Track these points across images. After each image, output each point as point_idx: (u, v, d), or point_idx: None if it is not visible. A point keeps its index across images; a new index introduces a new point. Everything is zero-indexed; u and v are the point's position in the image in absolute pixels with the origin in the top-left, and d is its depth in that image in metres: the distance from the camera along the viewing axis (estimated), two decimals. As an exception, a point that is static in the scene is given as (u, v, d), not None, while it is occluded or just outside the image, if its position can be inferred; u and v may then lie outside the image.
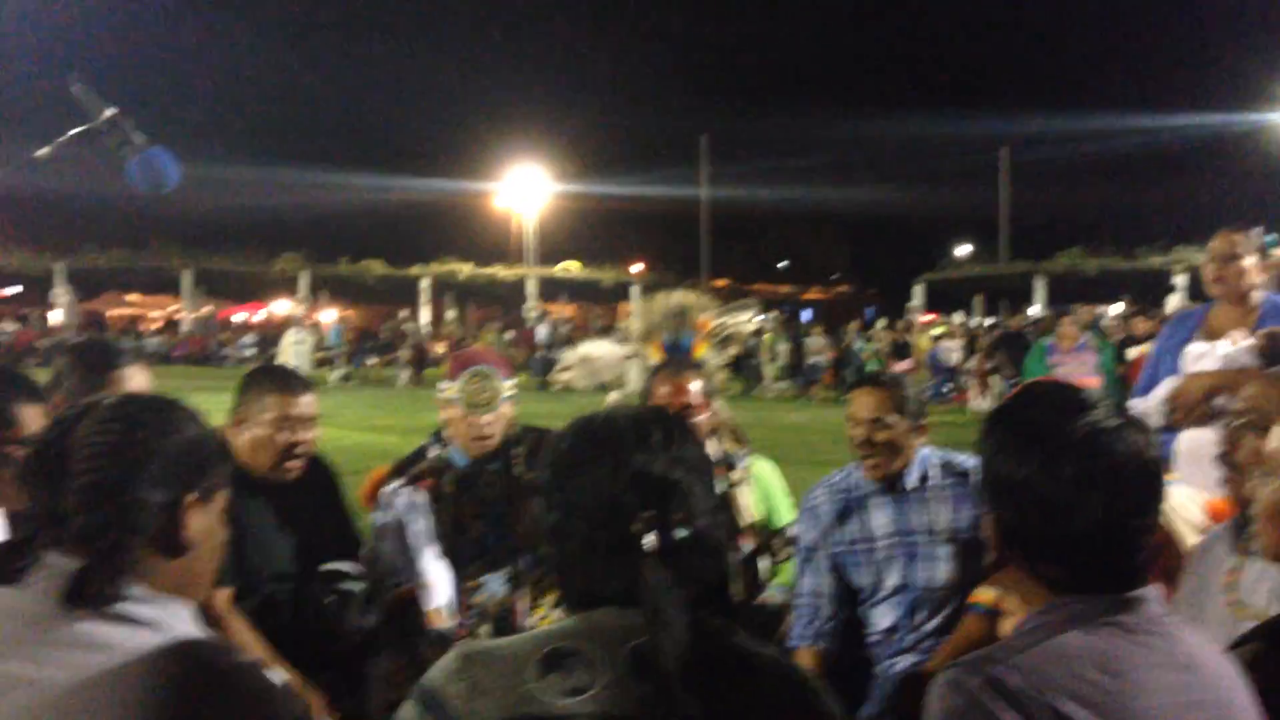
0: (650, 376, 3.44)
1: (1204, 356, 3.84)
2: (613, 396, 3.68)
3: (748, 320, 3.93)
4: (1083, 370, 10.96)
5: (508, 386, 3.28)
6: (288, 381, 3.18)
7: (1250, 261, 3.87)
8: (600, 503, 1.40)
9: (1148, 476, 1.51)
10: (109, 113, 2.21)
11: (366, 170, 49.71)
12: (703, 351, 3.68)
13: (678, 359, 3.57)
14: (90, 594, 1.36)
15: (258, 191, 45.32)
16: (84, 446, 1.42)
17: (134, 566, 1.41)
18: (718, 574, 1.48)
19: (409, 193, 47.96)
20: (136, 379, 2.90)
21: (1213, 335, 3.90)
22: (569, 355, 3.86)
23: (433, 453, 3.38)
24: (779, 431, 14.79)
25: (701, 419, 3.36)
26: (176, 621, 1.41)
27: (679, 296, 3.73)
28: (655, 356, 3.69)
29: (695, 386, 3.38)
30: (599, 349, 3.84)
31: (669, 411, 3.17)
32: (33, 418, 2.39)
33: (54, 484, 1.41)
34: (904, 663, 3.12)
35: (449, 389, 3.27)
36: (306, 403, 3.17)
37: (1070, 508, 1.47)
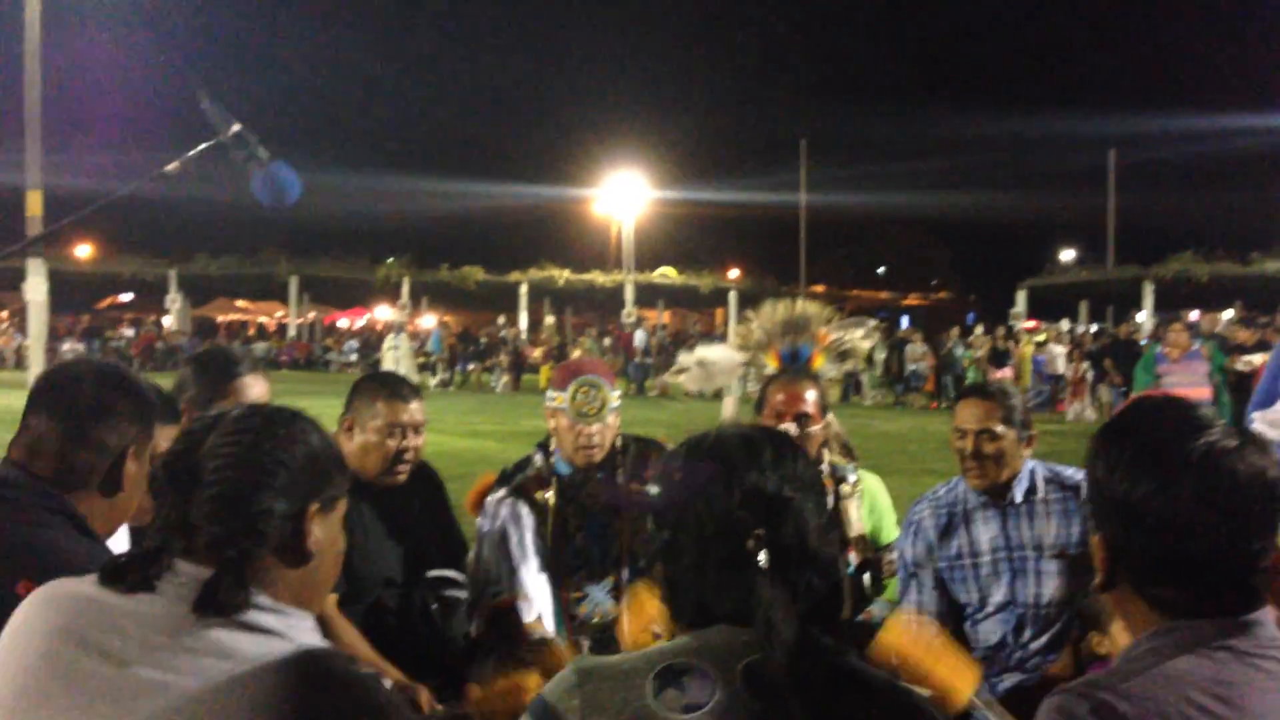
0: (766, 384, 3.43)
1: None
2: (728, 401, 3.68)
3: (864, 336, 3.89)
4: (1192, 380, 10.68)
5: (614, 396, 3.31)
6: (397, 388, 3.25)
7: None
8: (713, 520, 1.42)
9: (1268, 498, 1.46)
10: (236, 128, 2.28)
11: (467, 178, 50.62)
12: (820, 363, 3.66)
13: (795, 368, 3.57)
14: (219, 602, 1.40)
15: (362, 200, 46.26)
16: (213, 458, 1.46)
17: (260, 576, 1.45)
18: (829, 592, 1.48)
19: (508, 200, 48.58)
20: (256, 388, 3.01)
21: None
22: (685, 357, 3.85)
23: (538, 462, 3.42)
24: (877, 439, 14.64)
25: (816, 429, 3.35)
26: (300, 632, 1.45)
27: (801, 305, 3.72)
28: (772, 364, 3.68)
29: (811, 396, 3.36)
30: (716, 353, 3.83)
31: (780, 428, 3.19)
32: (167, 438, 2.49)
33: (184, 494, 1.46)
34: (1010, 680, 3.07)
35: (557, 398, 3.31)
36: (415, 409, 3.23)
37: (1187, 529, 1.43)
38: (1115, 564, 1.50)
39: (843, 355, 3.75)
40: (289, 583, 1.48)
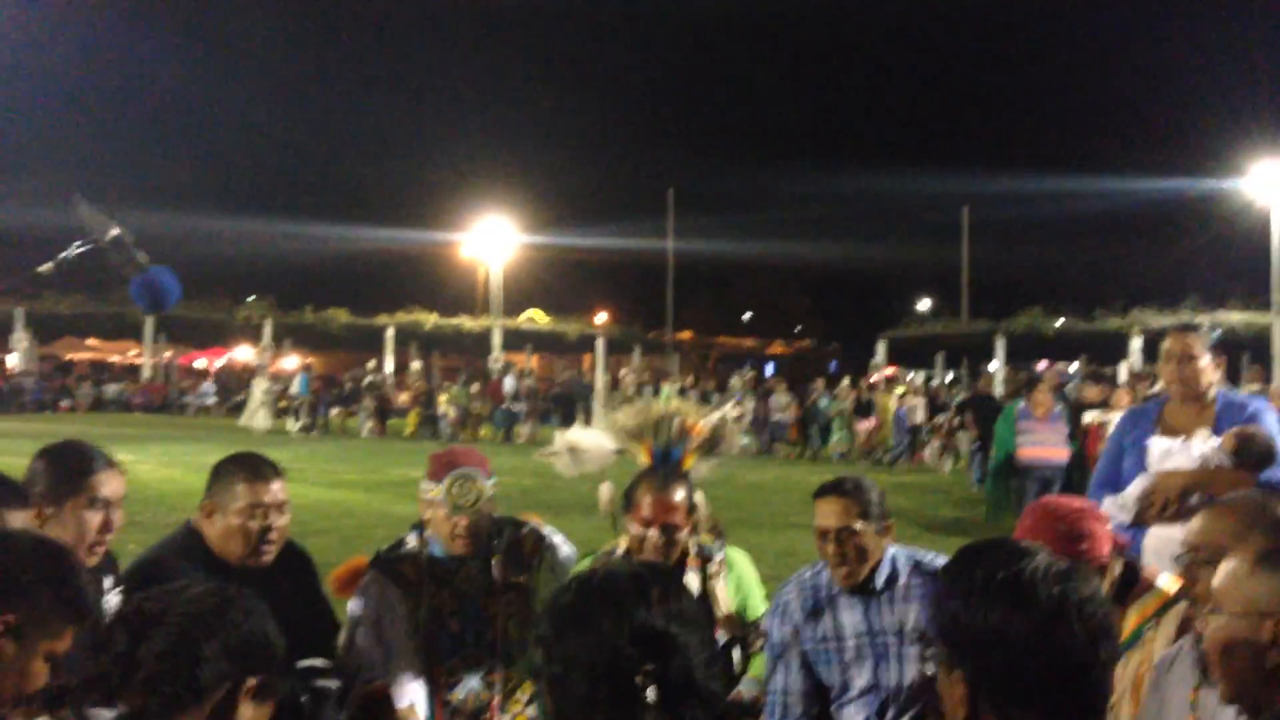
0: (635, 483, 3.47)
1: (1172, 454, 3.95)
2: (604, 488, 3.72)
3: (736, 408, 3.99)
4: (1055, 440, 10.90)
5: (490, 487, 3.34)
6: (257, 468, 3.19)
7: (1205, 361, 4.01)
8: (602, 656, 1.47)
9: (1105, 612, 1.58)
10: (114, 232, 2.26)
11: (333, 219, 49.70)
12: (691, 463, 3.73)
13: (666, 469, 3.61)
14: None
15: (223, 239, 45.17)
16: (177, 608, 1.59)
17: None
18: None
19: (375, 242, 47.92)
20: (111, 484, 2.93)
21: (1172, 431, 4.03)
22: (557, 440, 3.88)
23: (413, 544, 3.41)
24: (744, 491, 14.80)
25: (682, 535, 3.41)
26: None
27: (672, 405, 3.79)
28: (643, 458, 3.74)
29: (679, 498, 3.40)
30: (587, 439, 3.87)
31: (647, 533, 3.25)
32: (18, 522, 2.43)
33: (139, 636, 1.56)
34: (873, 761, 3.17)
35: (433, 490, 3.32)
36: (277, 489, 3.18)
37: (1046, 642, 1.52)
38: (976, 698, 1.57)
39: (713, 446, 3.82)
40: None
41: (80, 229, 2.27)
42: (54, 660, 1.85)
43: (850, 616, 3.27)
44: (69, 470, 2.89)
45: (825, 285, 62.92)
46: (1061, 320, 31.54)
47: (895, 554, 3.31)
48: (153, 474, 14.87)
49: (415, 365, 34.83)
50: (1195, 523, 2.46)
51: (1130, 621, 2.79)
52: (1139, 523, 3.86)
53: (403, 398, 29.73)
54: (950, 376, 36.80)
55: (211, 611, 1.60)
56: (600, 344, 37.50)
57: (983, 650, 1.56)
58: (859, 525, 3.20)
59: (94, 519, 2.86)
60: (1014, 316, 32.55)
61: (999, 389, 23.05)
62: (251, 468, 3.19)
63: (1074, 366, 29.54)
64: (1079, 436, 11.76)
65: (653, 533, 3.33)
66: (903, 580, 3.26)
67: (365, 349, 36.05)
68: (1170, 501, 3.79)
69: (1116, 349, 29.35)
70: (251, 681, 1.60)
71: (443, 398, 27.85)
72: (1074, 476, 10.61)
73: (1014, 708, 1.55)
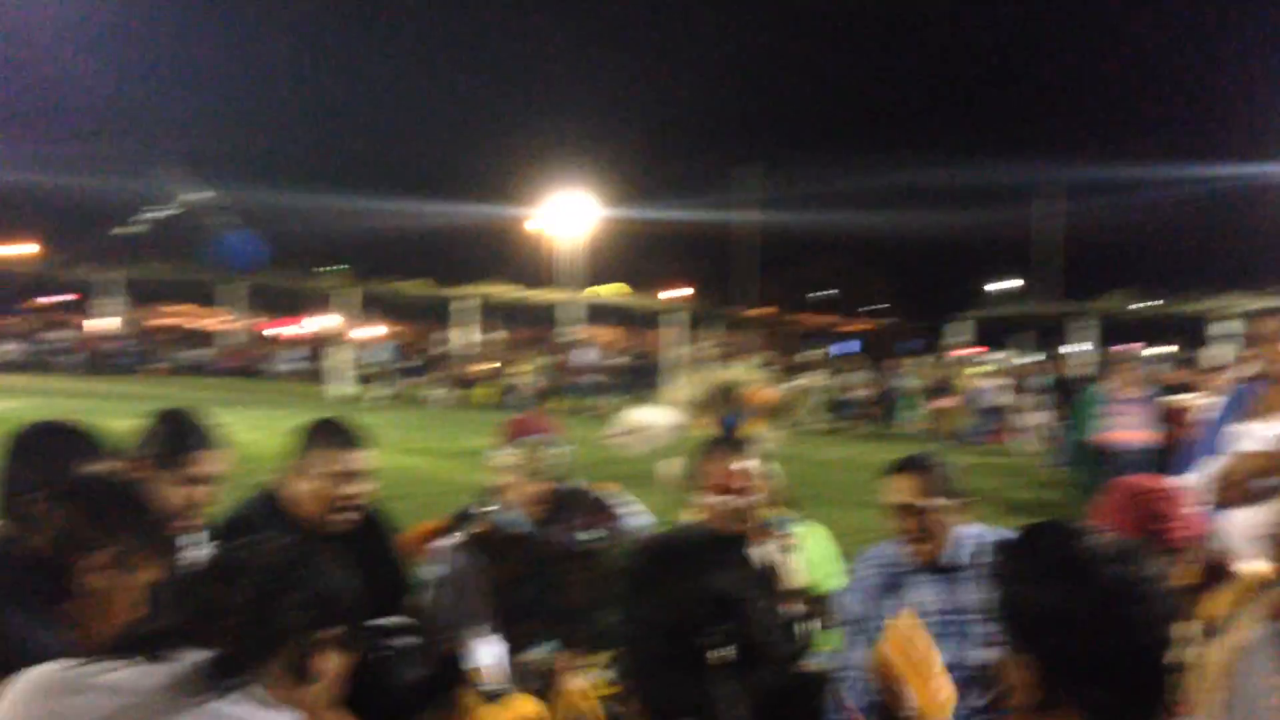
0: (703, 455, 3.47)
1: (1250, 436, 3.87)
2: (669, 464, 3.72)
3: (808, 383, 3.96)
4: (1141, 423, 10.64)
5: (562, 454, 3.35)
6: (344, 435, 3.25)
7: None
8: (673, 619, 1.48)
9: (1164, 592, 1.57)
10: (208, 194, 2.29)
11: (412, 193, 50.21)
12: (752, 430, 3.71)
13: (730, 438, 3.60)
14: (225, 675, 1.54)
15: (306, 211, 45.87)
16: (263, 557, 1.66)
17: (264, 672, 1.57)
18: (785, 685, 1.54)
19: (453, 216, 48.37)
20: (214, 463, 3.01)
21: (1265, 414, 3.93)
22: (622, 420, 3.90)
23: (487, 511, 3.45)
24: (818, 468, 14.76)
25: (751, 501, 3.40)
26: None
27: (731, 373, 3.78)
28: (705, 430, 3.73)
29: (748, 465, 3.41)
30: (650, 417, 3.88)
31: (722, 499, 3.24)
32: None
33: (228, 581, 1.62)
34: (955, 740, 3.13)
35: (507, 455, 3.34)
36: (361, 456, 3.24)
37: (1110, 622, 1.51)
38: (1049, 680, 1.55)
39: (776, 415, 3.80)
40: (285, 693, 1.61)
41: (170, 193, 2.31)
42: (153, 588, 2.00)
43: (931, 593, 3.23)
44: (177, 442, 2.97)
45: (908, 262, 62.12)
46: (1150, 302, 30.83)
47: (976, 532, 3.26)
48: (238, 436, 15.17)
49: (492, 336, 35.13)
50: None
51: (1215, 608, 2.72)
52: (1219, 505, 3.77)
53: (479, 368, 30.00)
54: (1036, 357, 36.22)
55: (293, 563, 1.65)
56: (679, 318, 37.49)
57: (1046, 632, 1.56)
58: (934, 501, 3.16)
59: (189, 492, 2.94)
60: (1102, 297, 31.89)
61: (1085, 370, 22.66)
62: (338, 435, 3.25)
63: (1162, 349, 28.92)
64: (1167, 420, 11.44)
65: (723, 499, 3.32)
66: (984, 558, 3.21)
67: (443, 319, 36.43)
68: (1243, 484, 3.70)
69: (1205, 332, 28.62)
70: (334, 631, 1.63)
71: (520, 368, 28.04)
72: (1162, 460, 10.35)
73: (1087, 688, 1.53)
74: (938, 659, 2.19)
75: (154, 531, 2.07)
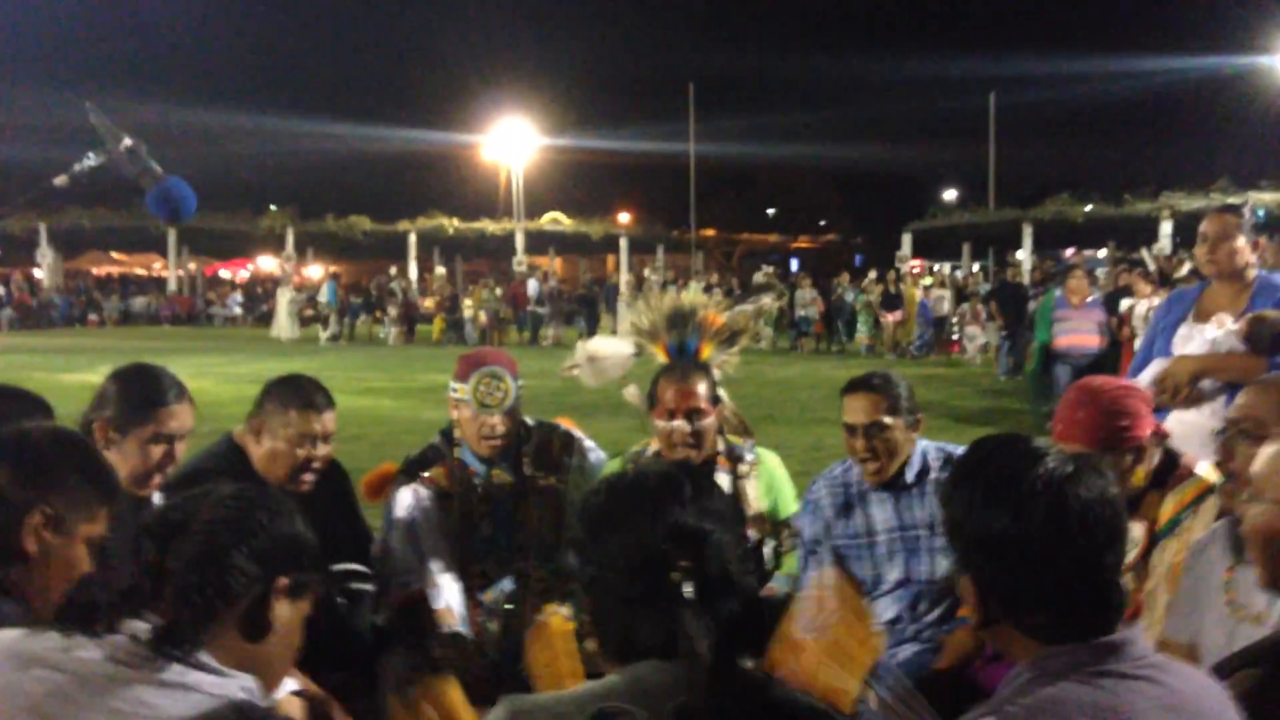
0: (656, 379, 3.45)
1: (1190, 339, 3.91)
2: (630, 390, 3.69)
3: (763, 306, 3.92)
4: (1088, 328, 10.78)
5: (517, 387, 3.33)
6: (311, 398, 3.12)
7: (1242, 242, 3.91)
8: (637, 555, 1.47)
9: (1111, 514, 1.56)
10: (127, 143, 2.22)
11: (351, 123, 49.41)
12: (708, 353, 3.68)
13: (684, 362, 3.58)
14: (170, 645, 1.49)
15: (242, 147, 44.98)
16: (202, 515, 1.58)
17: (213, 639, 1.52)
18: (752, 619, 1.54)
19: (394, 145, 47.68)
20: (182, 417, 2.84)
21: (1205, 316, 3.96)
22: (577, 351, 3.85)
23: (443, 449, 3.43)
24: (770, 387, 14.85)
25: (708, 422, 3.39)
26: (232, 690, 1.49)
27: (686, 297, 3.73)
28: (661, 356, 3.70)
29: (701, 389, 3.37)
30: (605, 346, 3.83)
31: (673, 424, 3.23)
32: None
33: (164, 543, 1.55)
34: (906, 651, 3.17)
35: (459, 389, 3.31)
36: (328, 419, 3.13)
37: (1046, 553, 1.52)
38: (987, 601, 1.57)
39: (732, 338, 3.77)
40: (238, 654, 1.53)
41: (93, 140, 2.23)
42: (93, 545, 1.93)
43: (881, 512, 3.26)
44: (139, 399, 2.80)
45: (849, 179, 62.19)
46: (1090, 206, 31.07)
47: (925, 448, 3.28)
48: (188, 385, 14.97)
49: (439, 270, 34.87)
50: (1239, 398, 2.47)
51: (1168, 509, 2.76)
52: (1158, 408, 3.82)
53: (427, 303, 29.77)
54: (977, 267, 36.52)
55: (237, 516, 1.58)
56: (624, 244, 37.37)
57: (986, 558, 1.56)
58: (888, 420, 3.17)
59: (157, 451, 2.81)
60: (1041, 204, 32.11)
61: (1025, 278, 22.89)
62: (306, 397, 3.11)
63: (1103, 253, 29.22)
64: (1112, 323, 11.60)
65: (678, 423, 3.31)
66: (933, 474, 3.23)
67: (388, 255, 36.05)
68: (1180, 386, 3.74)
69: (1146, 234, 28.96)
70: (283, 581, 1.59)
71: (467, 302, 27.88)
72: (1107, 363, 10.51)
73: (1023, 612, 1.55)
74: (852, 622, 2.21)
75: (92, 490, 1.95)
